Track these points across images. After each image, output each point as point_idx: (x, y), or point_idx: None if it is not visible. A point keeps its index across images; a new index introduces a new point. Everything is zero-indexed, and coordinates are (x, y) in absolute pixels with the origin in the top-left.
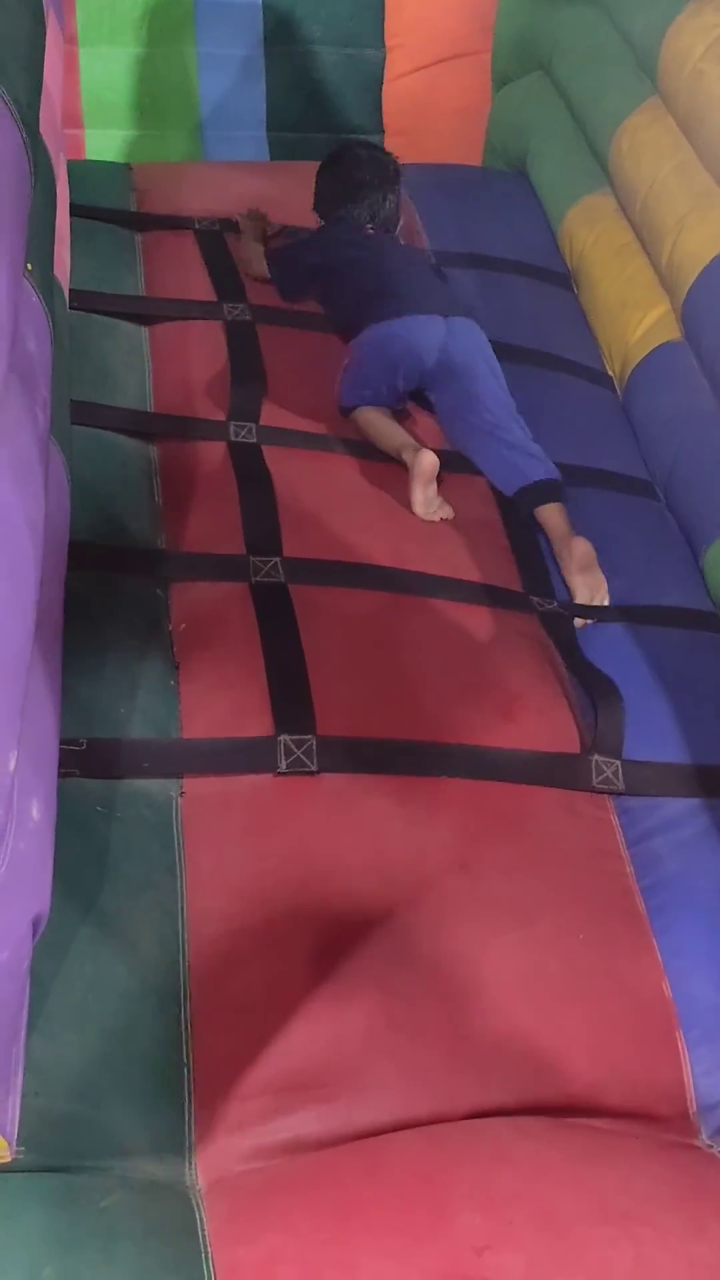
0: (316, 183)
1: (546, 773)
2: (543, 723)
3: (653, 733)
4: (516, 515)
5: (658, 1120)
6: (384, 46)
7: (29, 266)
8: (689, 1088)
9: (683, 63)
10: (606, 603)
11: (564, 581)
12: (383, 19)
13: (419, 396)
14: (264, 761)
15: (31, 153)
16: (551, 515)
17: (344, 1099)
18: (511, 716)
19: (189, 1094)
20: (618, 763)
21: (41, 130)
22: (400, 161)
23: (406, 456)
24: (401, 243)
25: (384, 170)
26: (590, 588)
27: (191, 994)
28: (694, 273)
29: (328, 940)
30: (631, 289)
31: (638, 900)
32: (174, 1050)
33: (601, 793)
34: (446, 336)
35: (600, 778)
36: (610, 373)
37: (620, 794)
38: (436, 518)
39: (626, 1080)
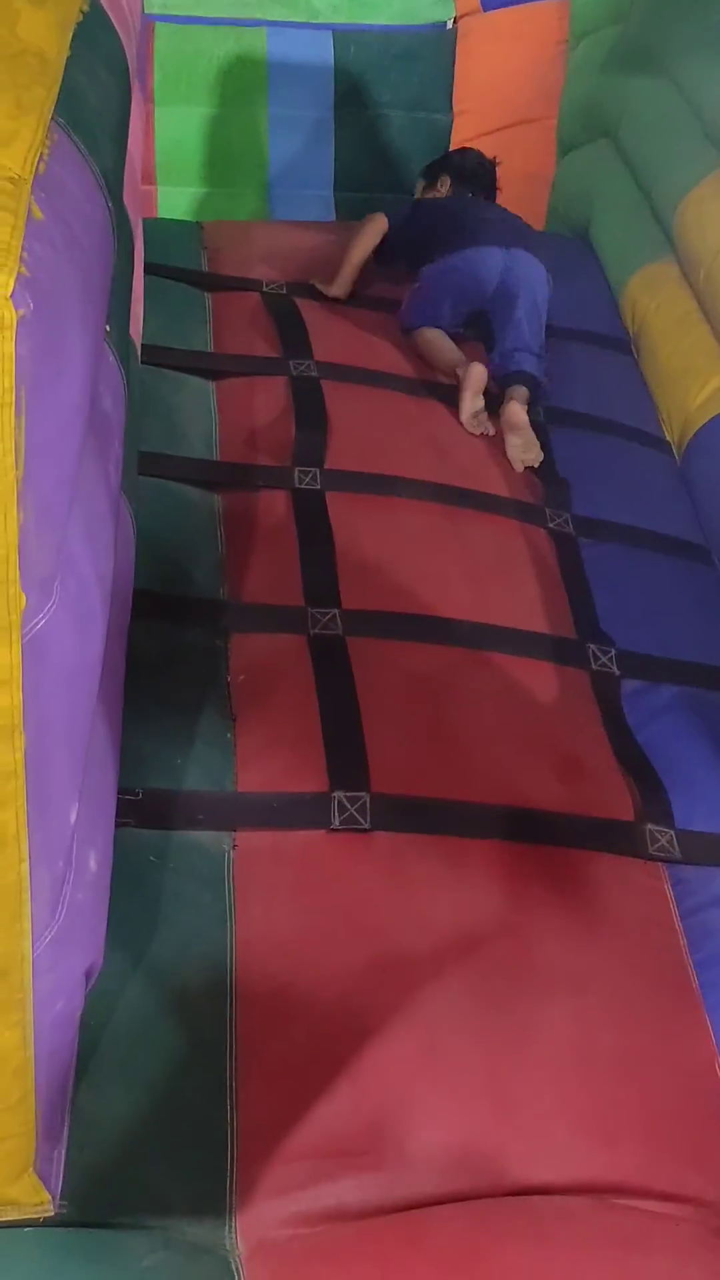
0: (449, 158)
1: (600, 838)
2: (597, 786)
3: (708, 801)
4: (569, 552)
5: (707, 1205)
6: (452, 111)
7: (108, 328)
8: None
9: None
10: (535, 464)
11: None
12: (451, 85)
13: (477, 326)
14: (317, 817)
15: (116, 221)
16: (514, 390)
17: (388, 1168)
18: (565, 779)
19: (232, 1154)
20: (672, 831)
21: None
22: None
23: (459, 370)
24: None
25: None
26: (519, 448)
27: (238, 1051)
28: None
29: (374, 1002)
30: (693, 356)
31: (691, 975)
32: (218, 1108)
33: (657, 861)
34: (505, 266)
35: (655, 846)
36: (669, 438)
37: (677, 862)
38: (478, 431)
39: (676, 1162)
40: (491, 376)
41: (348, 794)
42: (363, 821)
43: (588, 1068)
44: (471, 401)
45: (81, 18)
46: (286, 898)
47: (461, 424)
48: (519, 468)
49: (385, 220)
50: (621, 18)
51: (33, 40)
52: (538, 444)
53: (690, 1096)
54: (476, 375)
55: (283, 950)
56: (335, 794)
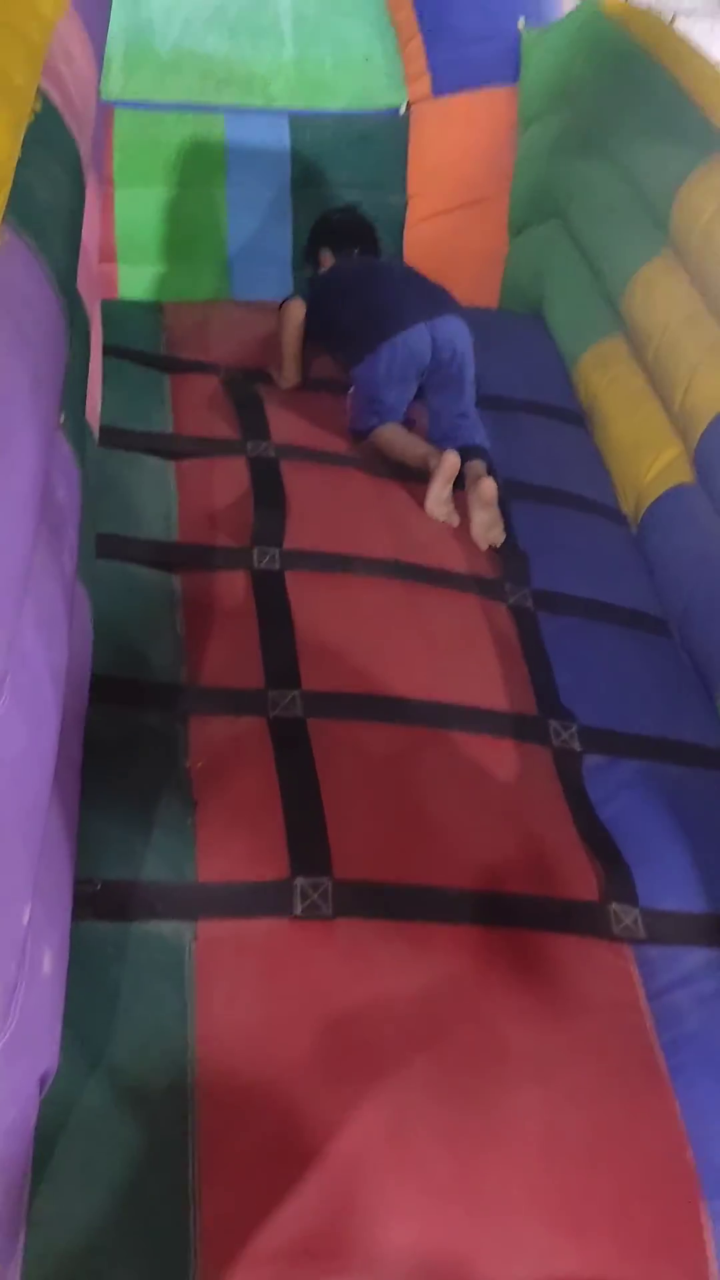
0: (316, 231)
1: (564, 920)
2: (560, 866)
3: (672, 879)
4: (528, 627)
5: None
6: (406, 193)
7: (62, 419)
8: (712, 1264)
9: (694, 221)
10: (499, 542)
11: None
12: (405, 167)
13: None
14: (279, 905)
15: (69, 313)
16: (473, 465)
17: (356, 1272)
18: (529, 859)
19: (194, 1260)
20: (636, 911)
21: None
22: None
23: (432, 461)
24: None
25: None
26: (485, 525)
27: (199, 1151)
28: (705, 420)
29: (339, 1095)
30: (645, 431)
31: (659, 1057)
32: (180, 1211)
33: (622, 941)
34: (432, 337)
35: (620, 926)
36: (624, 511)
37: (642, 942)
38: (443, 518)
39: (647, 1253)
40: (440, 444)
41: (310, 880)
42: (325, 909)
43: (557, 1157)
44: (441, 489)
45: (33, 118)
46: (248, 989)
47: (425, 510)
48: (484, 546)
49: (301, 304)
50: (567, 104)
51: None
52: (502, 522)
53: (662, 1183)
54: (450, 465)
55: (244, 1043)
56: (297, 881)
